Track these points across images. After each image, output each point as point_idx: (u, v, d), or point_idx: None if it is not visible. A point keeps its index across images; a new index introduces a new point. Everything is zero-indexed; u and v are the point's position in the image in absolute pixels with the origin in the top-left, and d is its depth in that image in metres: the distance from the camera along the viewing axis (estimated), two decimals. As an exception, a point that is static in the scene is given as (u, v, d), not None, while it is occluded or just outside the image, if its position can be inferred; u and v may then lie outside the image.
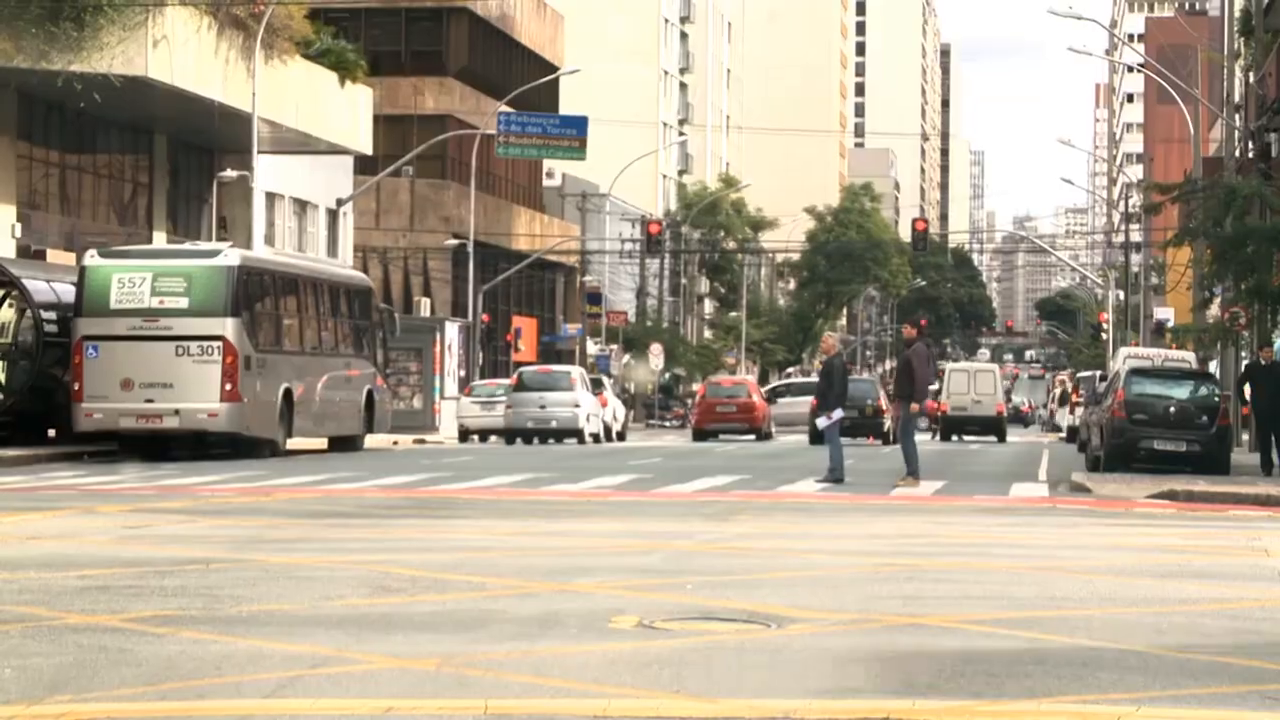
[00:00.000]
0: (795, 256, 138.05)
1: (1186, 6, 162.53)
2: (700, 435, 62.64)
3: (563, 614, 12.06)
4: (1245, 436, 49.02)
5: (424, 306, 77.52)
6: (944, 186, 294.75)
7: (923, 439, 44.03)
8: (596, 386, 62.10)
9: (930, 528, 20.15)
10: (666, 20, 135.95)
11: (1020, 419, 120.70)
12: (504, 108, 73.33)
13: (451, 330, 65.25)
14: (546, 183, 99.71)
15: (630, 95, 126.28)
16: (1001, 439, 63.66)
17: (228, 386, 36.47)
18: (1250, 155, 52.76)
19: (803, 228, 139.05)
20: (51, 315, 37.83)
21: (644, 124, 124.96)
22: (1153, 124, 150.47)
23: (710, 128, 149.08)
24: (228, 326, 36.61)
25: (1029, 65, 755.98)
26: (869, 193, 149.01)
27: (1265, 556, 17.00)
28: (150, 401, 35.81)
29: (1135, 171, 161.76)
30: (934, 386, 30.46)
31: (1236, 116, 57.06)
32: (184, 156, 54.51)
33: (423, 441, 53.19)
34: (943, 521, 21.32)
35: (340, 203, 66.20)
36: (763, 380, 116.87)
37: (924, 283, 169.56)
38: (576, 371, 59.39)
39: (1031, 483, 32.03)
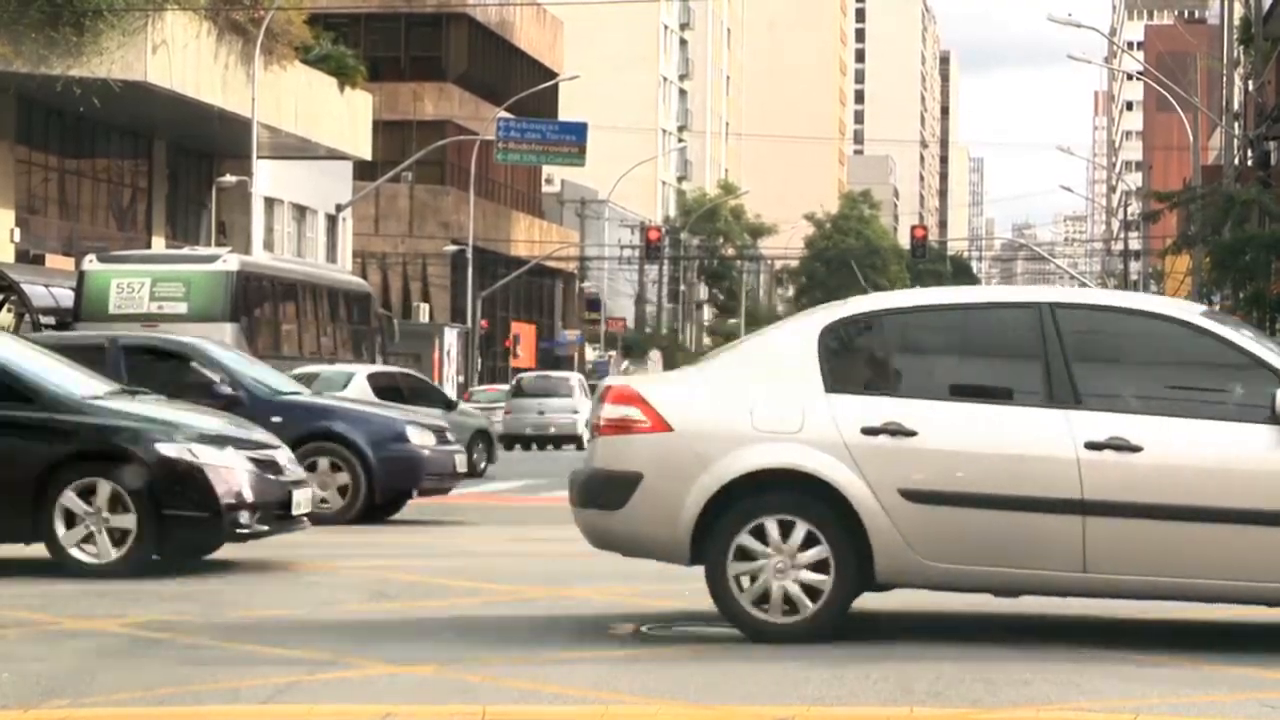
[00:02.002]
0: (794, 263, 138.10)
1: (1186, 14, 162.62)
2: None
3: (561, 620, 12.06)
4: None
5: (423, 312, 77.52)
6: (943, 194, 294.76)
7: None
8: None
9: (929, 535, 20.11)
10: (666, 27, 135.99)
11: None
12: (503, 114, 73.31)
13: (450, 336, 65.28)
14: (546, 189, 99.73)
15: (630, 101, 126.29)
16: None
17: (227, 392, 36.44)
18: (1249, 163, 52.79)
19: (802, 234, 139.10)
20: (50, 320, 37.81)
21: (643, 130, 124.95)
22: (1152, 132, 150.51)
23: (709, 134, 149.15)
24: (226, 332, 36.53)
25: (1028, 73, 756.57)
26: (868, 200, 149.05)
27: (1264, 564, 16.96)
28: (149, 406, 35.80)
29: (1134, 179, 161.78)
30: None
31: (1236, 124, 57.09)
32: (183, 161, 54.50)
33: (421, 447, 53.13)
34: (941, 528, 21.27)
35: (339, 208, 66.18)
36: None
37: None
38: (575, 378, 59.36)
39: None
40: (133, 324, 36.14)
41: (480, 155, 74.63)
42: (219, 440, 14.79)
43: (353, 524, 20.26)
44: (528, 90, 79.73)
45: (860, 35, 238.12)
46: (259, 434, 15.54)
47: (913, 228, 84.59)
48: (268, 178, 55.86)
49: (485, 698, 9.12)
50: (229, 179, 53.82)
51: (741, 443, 10.82)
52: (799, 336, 11.13)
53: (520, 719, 8.82)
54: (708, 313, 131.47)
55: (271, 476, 14.94)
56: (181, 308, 36.42)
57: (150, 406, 15.39)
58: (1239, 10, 57.79)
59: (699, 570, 15.11)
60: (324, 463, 20.71)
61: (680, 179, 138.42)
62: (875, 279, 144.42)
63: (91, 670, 9.93)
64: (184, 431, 14.69)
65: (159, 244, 51.52)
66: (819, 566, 10.76)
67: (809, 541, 10.75)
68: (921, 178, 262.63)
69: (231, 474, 14.55)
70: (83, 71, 41.91)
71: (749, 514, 10.81)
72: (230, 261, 37.72)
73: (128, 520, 14.35)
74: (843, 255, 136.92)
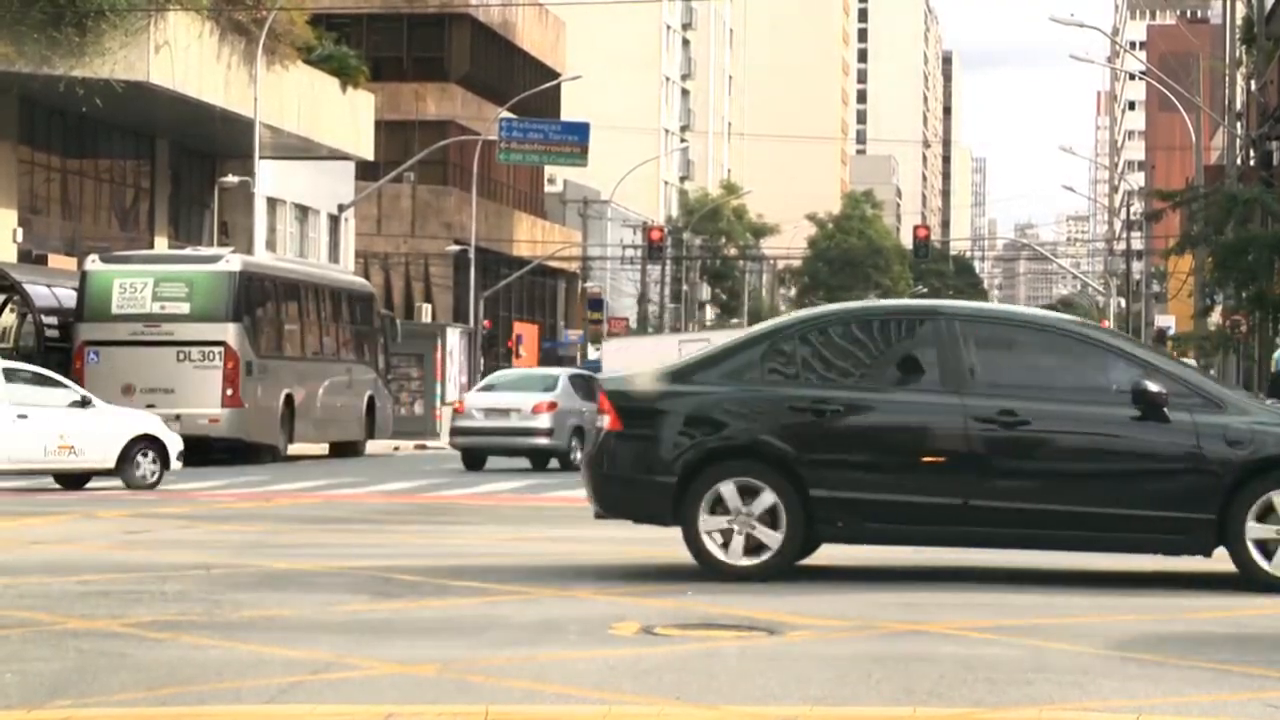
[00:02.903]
0: (796, 263, 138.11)
1: (1188, 14, 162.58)
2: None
3: (563, 620, 12.06)
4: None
5: (425, 312, 77.51)
6: (945, 194, 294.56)
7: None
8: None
9: (931, 535, 20.09)
10: (668, 27, 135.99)
11: None
12: (506, 114, 73.32)
13: (453, 336, 65.15)
14: (548, 189, 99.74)
15: (632, 102, 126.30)
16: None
17: (229, 392, 36.47)
18: (1252, 163, 52.81)
19: (804, 234, 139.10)
20: (53, 320, 37.85)
21: (646, 130, 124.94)
22: (1154, 131, 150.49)
23: (712, 134, 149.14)
24: (229, 332, 36.62)
25: (1031, 73, 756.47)
26: (870, 200, 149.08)
27: (1266, 564, 16.94)
28: (151, 407, 35.82)
29: (1137, 179, 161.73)
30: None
31: (1238, 124, 57.09)
32: (185, 162, 54.52)
33: (424, 447, 53.19)
34: (944, 528, 21.25)
35: (342, 208, 66.20)
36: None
37: (925, 290, 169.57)
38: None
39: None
40: (135, 324, 36.25)
41: (482, 155, 74.65)
42: None
43: None
44: (530, 90, 79.77)
45: (863, 35, 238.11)
46: None
47: (915, 228, 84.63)
48: (270, 178, 55.88)
49: (487, 698, 9.12)
50: (231, 179, 53.85)
51: None
52: None
53: (524, 719, 8.82)
54: (710, 313, 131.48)
55: None
56: (184, 308, 36.48)
57: None
58: (1241, 10, 57.81)
59: (701, 571, 15.11)
60: None
61: (683, 179, 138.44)
62: (878, 279, 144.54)
63: (95, 670, 9.93)
64: None
65: (161, 244, 51.55)
66: None
67: None
68: (924, 178, 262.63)
69: None
70: (85, 72, 41.95)
71: None
72: (233, 262, 37.75)
73: None
74: (845, 255, 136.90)
